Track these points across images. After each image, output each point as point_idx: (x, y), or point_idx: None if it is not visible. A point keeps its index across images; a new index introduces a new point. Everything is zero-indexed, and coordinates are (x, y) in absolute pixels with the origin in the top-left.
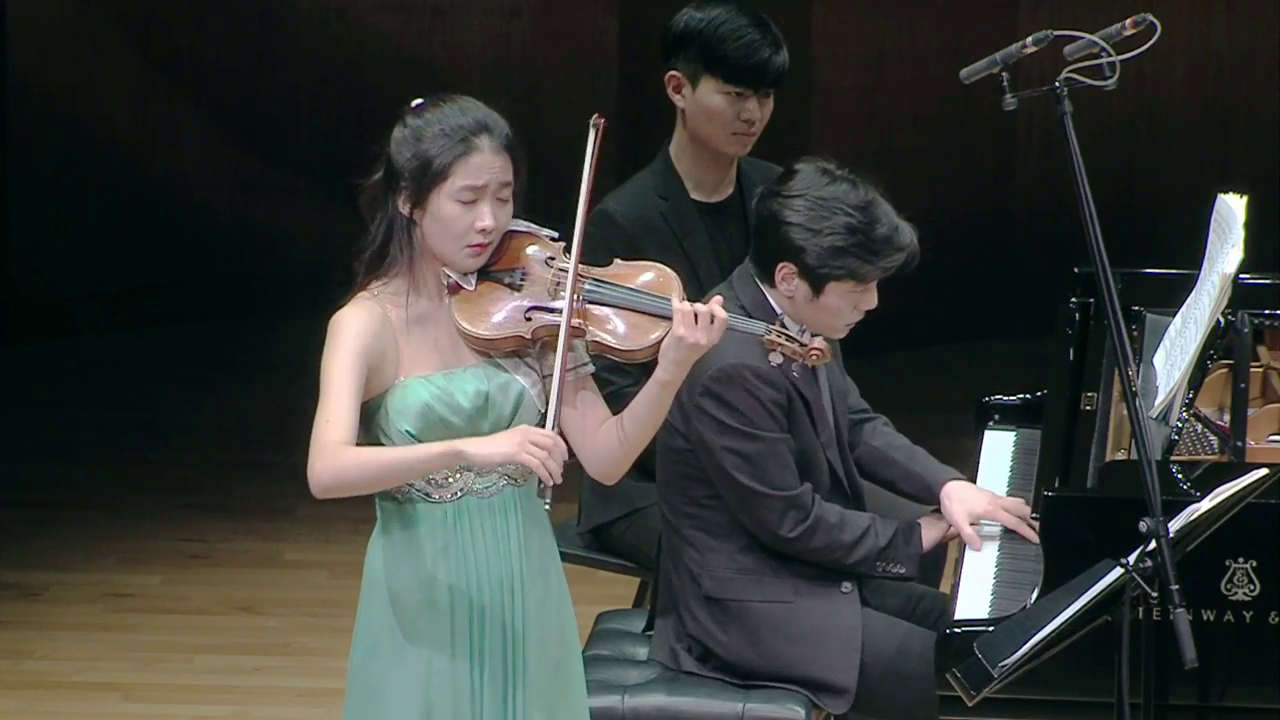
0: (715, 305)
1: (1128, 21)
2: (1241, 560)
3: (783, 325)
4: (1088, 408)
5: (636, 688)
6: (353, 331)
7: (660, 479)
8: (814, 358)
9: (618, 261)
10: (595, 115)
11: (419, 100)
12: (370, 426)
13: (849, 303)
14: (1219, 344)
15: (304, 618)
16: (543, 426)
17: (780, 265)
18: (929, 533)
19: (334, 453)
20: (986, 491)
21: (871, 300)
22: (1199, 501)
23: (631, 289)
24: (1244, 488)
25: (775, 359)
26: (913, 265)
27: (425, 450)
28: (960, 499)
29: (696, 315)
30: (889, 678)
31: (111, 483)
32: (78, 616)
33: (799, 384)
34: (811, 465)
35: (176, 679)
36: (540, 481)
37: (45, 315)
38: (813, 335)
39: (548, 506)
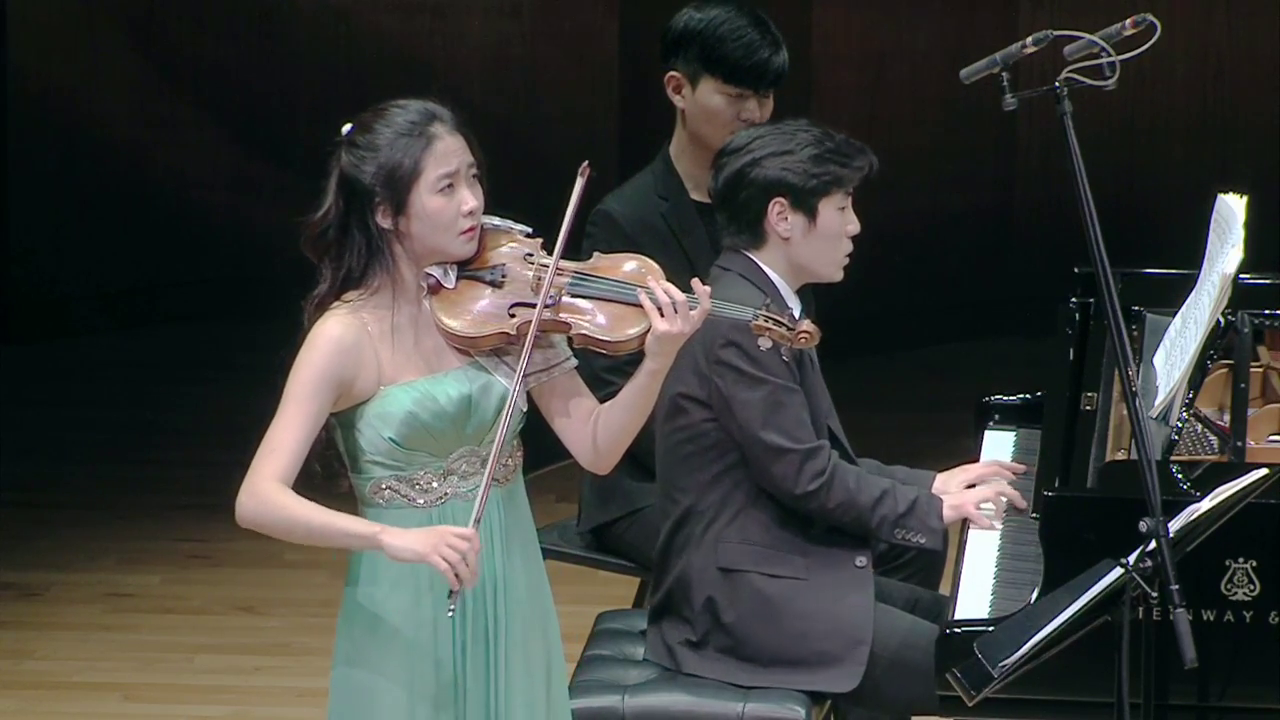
0: (675, 293)
1: (1128, 21)
2: (1241, 560)
3: (768, 309)
4: (1088, 408)
5: (636, 688)
6: (325, 353)
7: (667, 464)
8: (802, 340)
9: (597, 254)
10: (584, 164)
11: (348, 125)
12: (349, 434)
13: (840, 222)
14: (1219, 344)
15: (304, 618)
16: (477, 518)
17: (771, 204)
18: (952, 500)
19: (265, 491)
20: (960, 471)
21: (855, 221)
22: (1199, 501)
23: (613, 280)
24: (1244, 488)
25: (764, 344)
26: (875, 170)
27: (349, 525)
28: (949, 481)
29: (676, 306)
30: (893, 669)
31: (111, 483)
32: (78, 616)
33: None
34: (817, 430)
35: (176, 679)
36: (450, 588)
37: (45, 315)
38: (801, 318)
39: (451, 612)
